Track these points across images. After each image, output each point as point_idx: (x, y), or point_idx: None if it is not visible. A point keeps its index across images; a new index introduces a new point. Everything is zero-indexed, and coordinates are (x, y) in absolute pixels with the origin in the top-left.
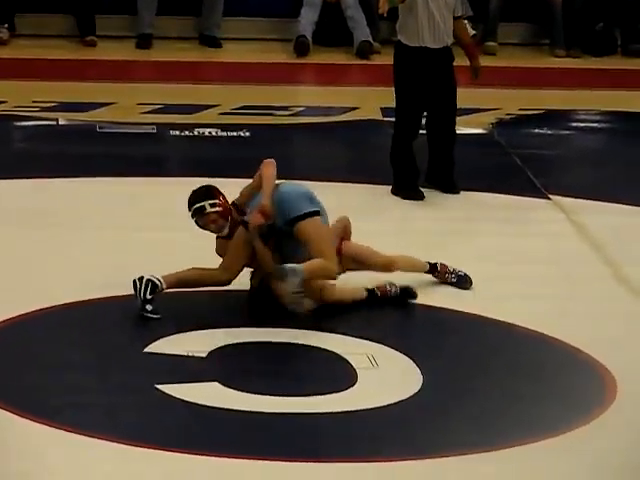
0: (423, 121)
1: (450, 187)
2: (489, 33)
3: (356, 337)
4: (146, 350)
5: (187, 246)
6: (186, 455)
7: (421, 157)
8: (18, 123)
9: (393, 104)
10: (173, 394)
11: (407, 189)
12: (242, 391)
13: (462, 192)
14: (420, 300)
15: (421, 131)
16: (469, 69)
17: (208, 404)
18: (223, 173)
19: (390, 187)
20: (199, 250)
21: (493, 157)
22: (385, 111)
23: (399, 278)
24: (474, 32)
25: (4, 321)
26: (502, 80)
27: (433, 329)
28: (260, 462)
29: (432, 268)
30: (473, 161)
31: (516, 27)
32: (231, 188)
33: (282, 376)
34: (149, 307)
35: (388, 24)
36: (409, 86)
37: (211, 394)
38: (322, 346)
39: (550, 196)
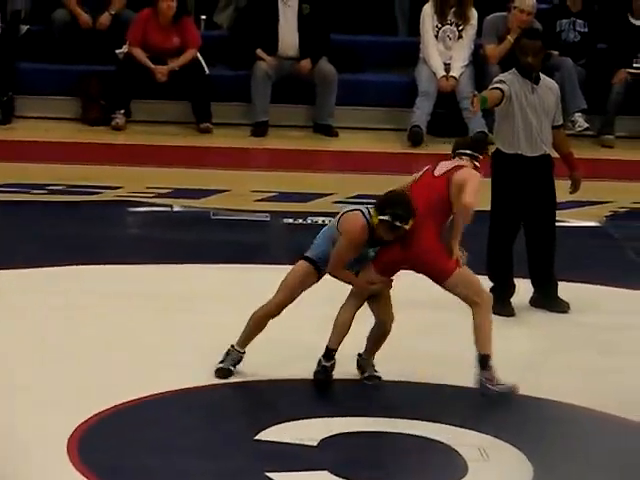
0: None
1: (557, 306)
2: (606, 126)
3: (466, 428)
4: (257, 437)
5: (301, 330)
6: None
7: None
8: (133, 209)
9: None
10: None
11: (499, 304)
12: None
13: (575, 284)
14: (529, 392)
15: None
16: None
17: None
18: None
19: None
20: (314, 334)
21: (606, 250)
22: None
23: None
24: (587, 125)
25: (119, 405)
26: (616, 173)
27: (544, 422)
28: None
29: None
30: (586, 253)
31: (631, 120)
32: None
33: (392, 467)
34: None
35: None
36: (505, 195)
37: None
38: (433, 437)
39: None
